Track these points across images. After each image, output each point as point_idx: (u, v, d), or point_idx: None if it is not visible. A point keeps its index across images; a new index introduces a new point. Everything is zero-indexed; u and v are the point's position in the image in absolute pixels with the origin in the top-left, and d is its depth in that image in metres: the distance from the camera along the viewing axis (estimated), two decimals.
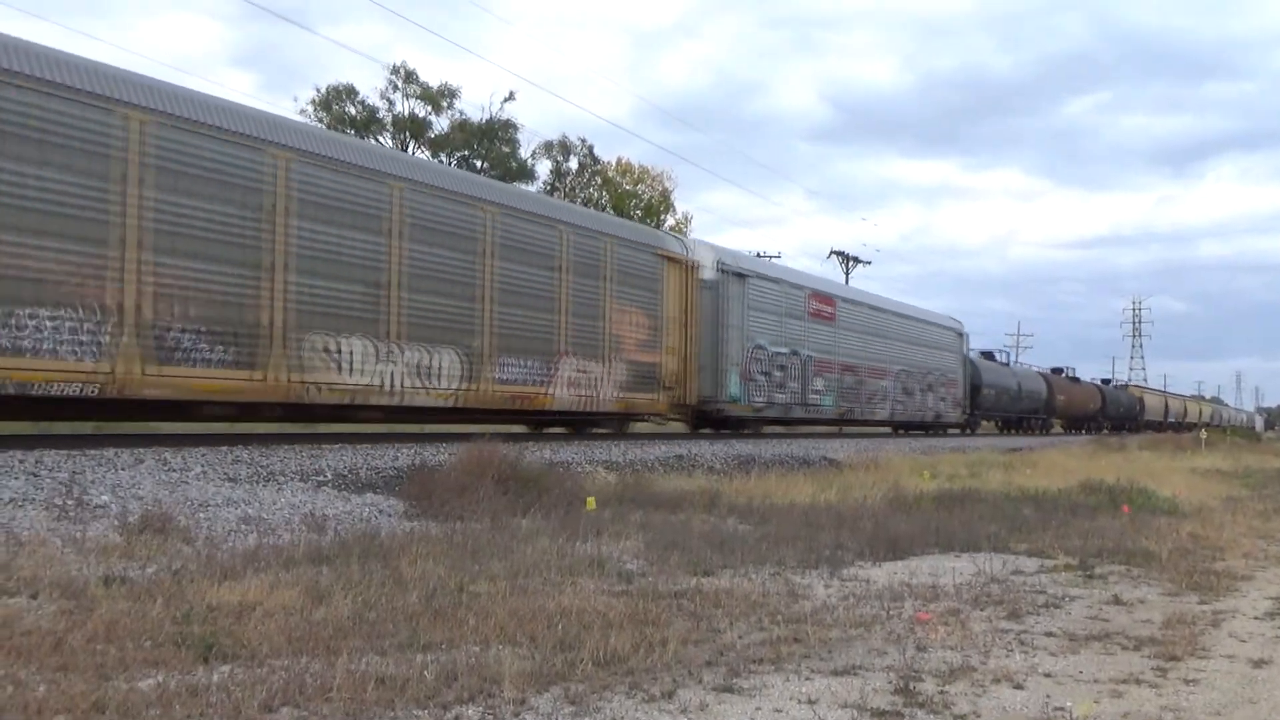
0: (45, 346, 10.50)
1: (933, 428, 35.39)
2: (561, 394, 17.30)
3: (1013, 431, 46.30)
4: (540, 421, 19.14)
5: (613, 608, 5.58)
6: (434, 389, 14.91)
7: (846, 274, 57.77)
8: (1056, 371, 55.68)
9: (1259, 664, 5.14)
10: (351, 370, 13.71)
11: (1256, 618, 6.31)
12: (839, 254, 59.25)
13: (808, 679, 4.55)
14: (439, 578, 6.26)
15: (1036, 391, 47.99)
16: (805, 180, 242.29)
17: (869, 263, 61.14)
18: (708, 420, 22.86)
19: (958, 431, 37.52)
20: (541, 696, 4.13)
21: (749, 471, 15.44)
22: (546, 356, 16.99)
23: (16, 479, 8.58)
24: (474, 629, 5.10)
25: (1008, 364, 48.58)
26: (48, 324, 10.53)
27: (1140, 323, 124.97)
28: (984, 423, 43.33)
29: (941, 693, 4.39)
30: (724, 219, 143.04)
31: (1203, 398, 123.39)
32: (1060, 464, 21.03)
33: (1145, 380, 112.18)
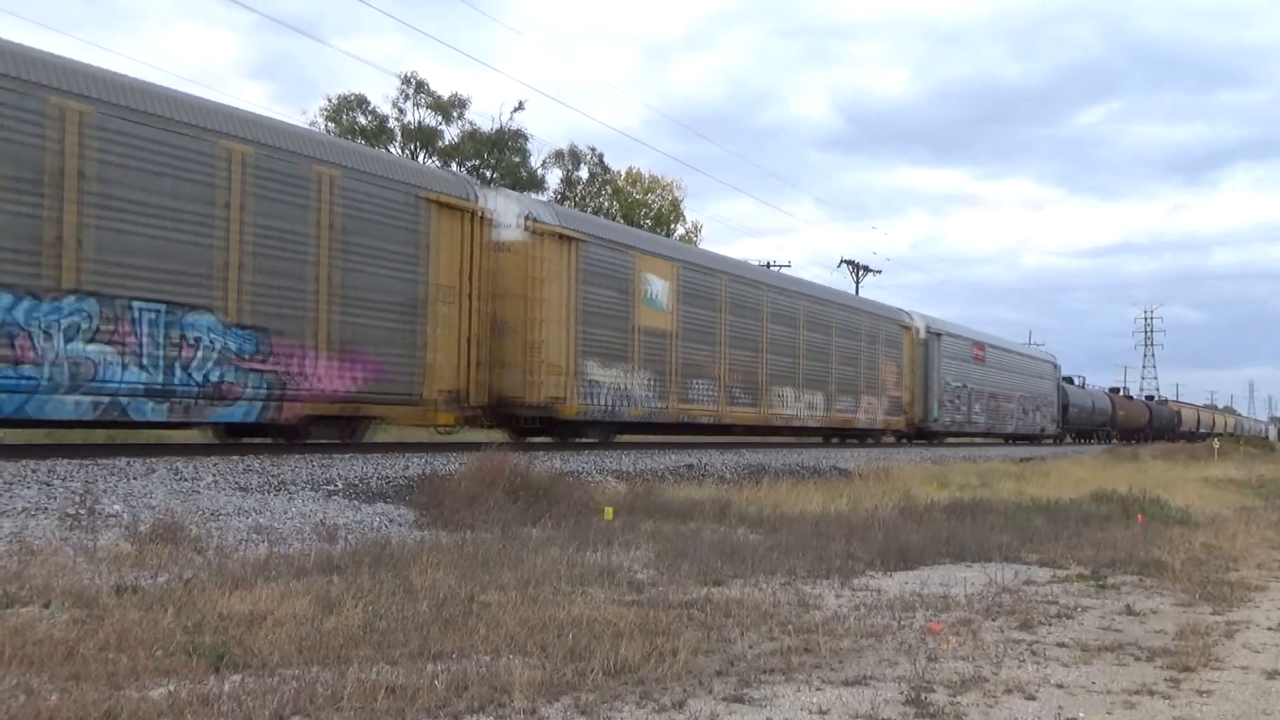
0: (698, 398, 20.65)
1: (1038, 438, 45.36)
2: (861, 418, 28.42)
3: (1084, 440, 56.27)
4: (833, 433, 28.97)
5: (623, 617, 5.57)
6: (814, 416, 25.79)
7: (856, 283, 57.73)
8: (1114, 391, 68.10)
9: (1273, 675, 5.10)
10: (785, 406, 24.20)
11: (1270, 628, 6.27)
12: (849, 263, 59.30)
13: (818, 689, 4.54)
14: (449, 587, 6.26)
15: (1104, 408, 59.83)
16: (815, 189, 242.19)
17: (879, 271, 61.40)
18: (920, 434, 33.11)
19: (1052, 441, 47.81)
20: (552, 706, 4.13)
21: (759, 481, 15.40)
22: (854, 394, 27.89)
23: (29, 488, 8.62)
24: (484, 638, 5.10)
25: (1083, 386, 59.23)
26: (701, 387, 20.75)
27: (1152, 332, 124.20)
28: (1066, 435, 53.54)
29: (953, 703, 4.37)
30: (734, 228, 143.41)
31: (1215, 407, 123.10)
32: (1072, 474, 20.97)
33: (1158, 389, 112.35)
